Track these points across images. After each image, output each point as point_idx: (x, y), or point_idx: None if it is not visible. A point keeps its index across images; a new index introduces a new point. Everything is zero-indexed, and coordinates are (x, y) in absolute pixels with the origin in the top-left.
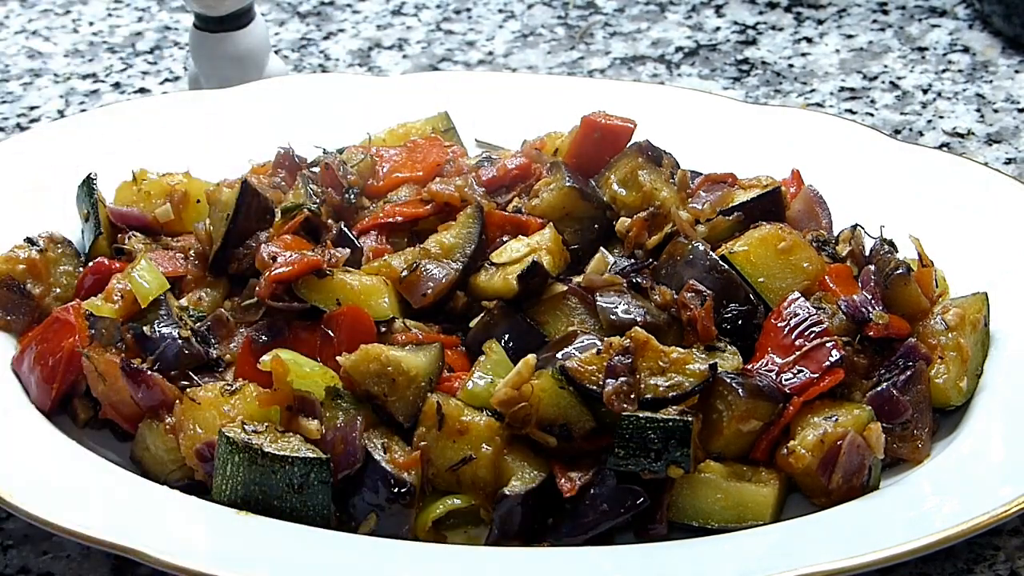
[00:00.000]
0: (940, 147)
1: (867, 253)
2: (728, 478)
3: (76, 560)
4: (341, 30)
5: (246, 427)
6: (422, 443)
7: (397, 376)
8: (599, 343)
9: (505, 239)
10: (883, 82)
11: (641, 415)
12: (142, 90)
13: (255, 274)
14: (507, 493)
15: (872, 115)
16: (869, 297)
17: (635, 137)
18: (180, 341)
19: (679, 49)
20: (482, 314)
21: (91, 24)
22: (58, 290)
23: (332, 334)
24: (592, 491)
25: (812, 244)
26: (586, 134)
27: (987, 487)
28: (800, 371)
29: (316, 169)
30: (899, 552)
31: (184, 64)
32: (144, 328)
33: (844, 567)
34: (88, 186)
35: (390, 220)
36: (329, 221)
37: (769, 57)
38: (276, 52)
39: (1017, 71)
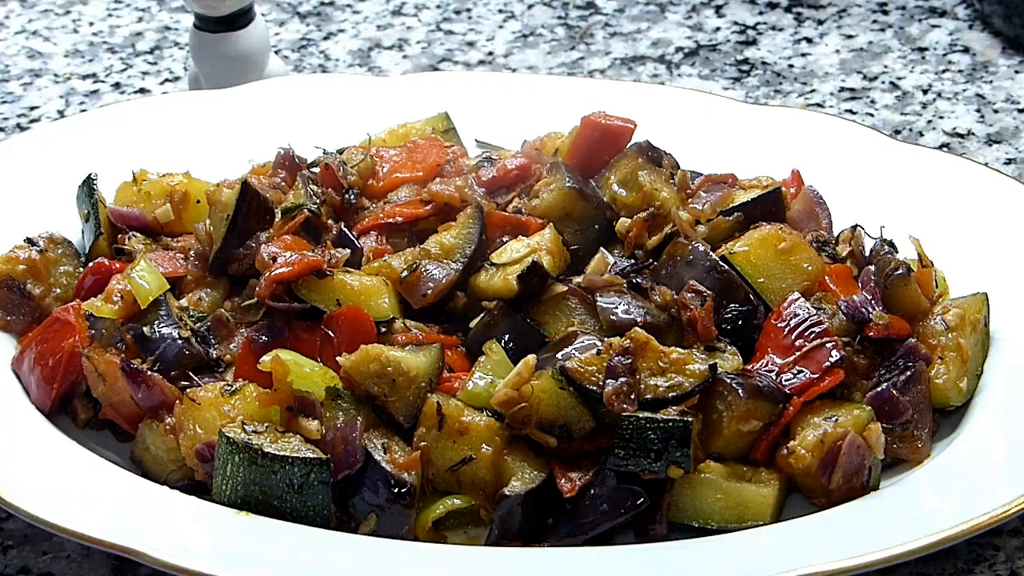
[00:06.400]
0: (940, 147)
1: (867, 253)
2: (728, 478)
3: (76, 560)
4: (341, 30)
5: (246, 427)
6: (422, 443)
7: (397, 376)
8: (599, 343)
9: (505, 239)
10: (883, 82)
11: (641, 415)
12: (142, 90)
13: (255, 274)
14: (507, 493)
15: (872, 115)
16: (869, 297)
17: (635, 137)
18: (180, 341)
19: (679, 49)
20: (482, 314)
21: (91, 24)
22: (58, 290)
23: (332, 334)
24: (592, 491)
25: (812, 244)
26: (586, 134)
27: (987, 487)
28: (800, 371)
29: (316, 169)
30: (899, 552)
31: (184, 64)
32: (144, 328)
33: (844, 567)
34: (88, 186)
35: (390, 220)
36: (329, 221)
37: (769, 57)
38: (276, 52)
39: (1017, 71)
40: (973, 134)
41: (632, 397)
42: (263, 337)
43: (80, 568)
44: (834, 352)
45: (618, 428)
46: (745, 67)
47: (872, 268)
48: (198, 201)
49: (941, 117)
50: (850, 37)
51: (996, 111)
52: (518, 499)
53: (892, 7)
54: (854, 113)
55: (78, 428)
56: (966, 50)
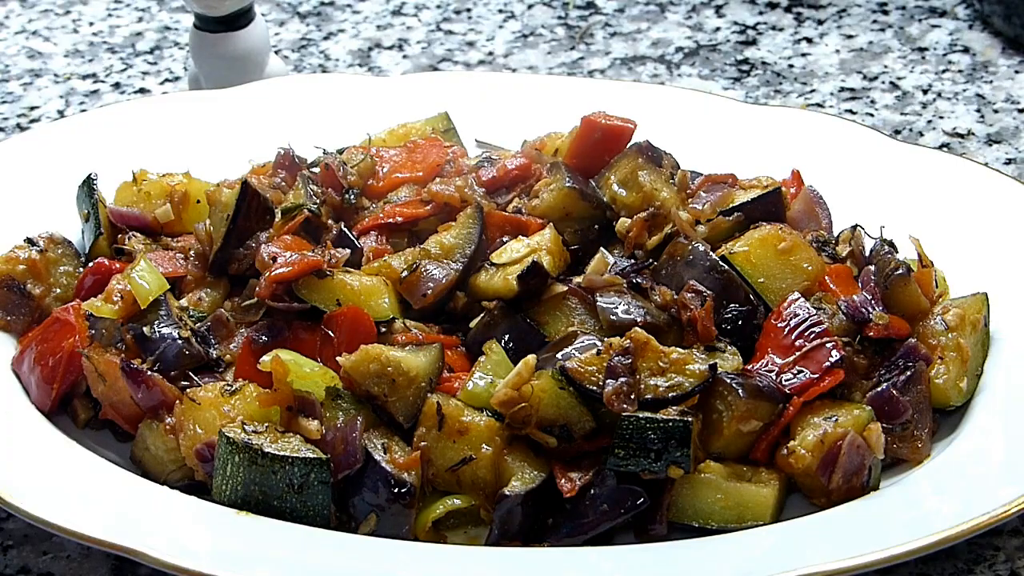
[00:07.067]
0: (940, 147)
1: (867, 253)
2: (728, 478)
3: (76, 560)
4: (341, 30)
5: (246, 427)
6: (422, 443)
7: (397, 376)
8: (599, 343)
9: (505, 239)
10: (883, 82)
11: (641, 415)
12: (142, 90)
13: (255, 274)
14: (507, 493)
15: (872, 115)
16: (869, 297)
17: (635, 137)
18: (180, 341)
19: (679, 49)
20: (482, 314)
21: (91, 24)
22: (58, 290)
23: (332, 334)
24: (592, 491)
25: (812, 244)
26: (586, 134)
27: (987, 487)
28: (800, 371)
29: (316, 169)
30: (899, 552)
31: (184, 64)
32: (144, 328)
33: (844, 567)
34: (88, 186)
35: (390, 220)
36: (329, 221)
37: (769, 57)
38: (276, 52)
39: (1017, 71)
40: (973, 134)
41: (632, 397)
42: (263, 337)
43: (80, 568)
44: (834, 352)
45: (618, 428)
46: (745, 67)
47: (872, 268)
48: (198, 201)
49: (941, 117)
50: (850, 37)
51: (996, 111)
52: (518, 499)
53: (892, 7)
54: (854, 113)
55: (78, 428)
56: (966, 50)
